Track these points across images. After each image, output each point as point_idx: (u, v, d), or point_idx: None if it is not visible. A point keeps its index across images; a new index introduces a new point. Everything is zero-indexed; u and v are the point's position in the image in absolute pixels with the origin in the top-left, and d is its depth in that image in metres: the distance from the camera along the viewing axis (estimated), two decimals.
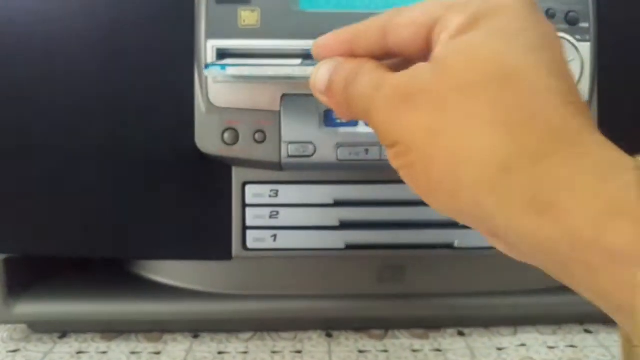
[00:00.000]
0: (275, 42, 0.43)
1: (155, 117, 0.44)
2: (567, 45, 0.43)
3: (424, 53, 0.27)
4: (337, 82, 0.29)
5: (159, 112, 0.44)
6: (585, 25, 0.44)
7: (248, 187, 0.45)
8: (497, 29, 0.24)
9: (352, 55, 0.29)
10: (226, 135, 0.43)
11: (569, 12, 0.44)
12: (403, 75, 0.26)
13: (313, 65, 0.32)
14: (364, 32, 0.29)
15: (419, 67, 0.26)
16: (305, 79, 0.32)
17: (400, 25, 0.27)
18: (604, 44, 0.45)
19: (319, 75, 0.30)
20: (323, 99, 0.30)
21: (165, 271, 0.51)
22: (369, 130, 0.42)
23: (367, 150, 0.43)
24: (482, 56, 0.24)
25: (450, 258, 0.47)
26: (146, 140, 0.44)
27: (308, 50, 0.43)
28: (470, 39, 0.24)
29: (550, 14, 0.44)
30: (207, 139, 0.43)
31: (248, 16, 0.42)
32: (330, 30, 0.42)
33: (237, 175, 0.45)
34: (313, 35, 0.42)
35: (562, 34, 0.44)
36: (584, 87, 0.44)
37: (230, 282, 0.49)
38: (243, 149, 0.43)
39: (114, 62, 0.44)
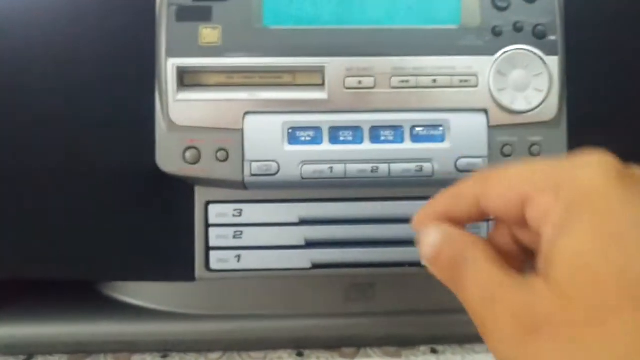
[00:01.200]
0: (237, 59, 0.44)
1: (116, 137, 0.45)
2: (535, 60, 0.45)
3: (521, 220, 0.27)
4: (443, 260, 0.29)
5: (119, 132, 0.45)
6: (552, 38, 0.45)
7: (211, 207, 0.46)
8: (604, 230, 0.24)
9: (451, 219, 0.30)
10: (188, 154, 0.44)
11: (537, 25, 0.45)
12: (519, 295, 0.25)
13: None
14: (459, 203, 0.30)
15: (536, 290, 0.25)
16: None
17: (491, 198, 0.28)
18: (572, 57, 0.46)
19: (427, 242, 0.30)
20: (429, 267, 0.30)
21: (133, 291, 0.53)
22: (333, 147, 0.43)
23: (331, 168, 0.44)
24: (603, 274, 0.23)
25: (422, 275, 0.48)
26: (106, 160, 0.45)
27: (271, 67, 0.44)
28: (581, 247, 0.24)
29: (517, 28, 0.45)
30: (168, 158, 0.44)
31: (209, 34, 0.44)
32: (293, 47, 0.44)
33: (200, 194, 0.46)
34: (276, 53, 0.44)
35: (529, 48, 0.45)
36: (553, 101, 0.45)
37: (197, 302, 0.50)
38: (205, 168, 0.44)
39: (73, 78, 0.45)
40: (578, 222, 0.24)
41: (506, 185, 0.28)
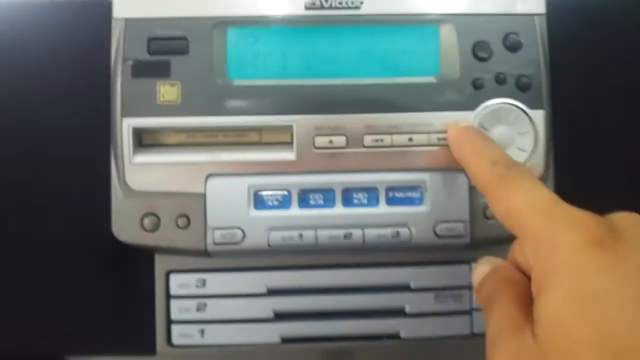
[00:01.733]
0: (198, 119, 0.42)
1: (69, 203, 0.43)
2: (519, 115, 0.42)
3: None
4: (483, 294, 0.34)
5: (73, 198, 0.43)
6: (537, 91, 0.43)
7: (172, 277, 0.44)
8: (580, 292, 0.26)
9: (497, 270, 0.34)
10: (146, 221, 0.42)
11: (520, 76, 0.43)
12: (514, 342, 0.28)
13: None
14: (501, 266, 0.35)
15: (526, 340, 0.28)
16: None
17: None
18: (559, 109, 0.44)
19: (475, 274, 0.36)
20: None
21: None
22: (302, 212, 0.41)
23: (301, 235, 0.42)
24: (584, 340, 0.25)
25: (398, 346, 0.45)
26: (60, 228, 0.43)
27: (235, 127, 0.42)
28: (557, 308, 0.26)
29: (499, 80, 0.43)
30: (125, 225, 0.42)
31: (168, 91, 0.41)
32: (259, 104, 0.42)
33: (161, 263, 0.44)
34: (241, 110, 0.42)
35: (512, 102, 0.42)
36: (538, 159, 0.43)
37: None
38: (165, 236, 0.42)
39: (23, 143, 0.43)
40: (553, 283, 0.26)
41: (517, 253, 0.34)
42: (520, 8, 0.44)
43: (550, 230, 0.28)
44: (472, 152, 0.38)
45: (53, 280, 0.43)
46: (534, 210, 0.30)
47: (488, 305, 0.32)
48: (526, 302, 0.29)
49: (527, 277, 0.32)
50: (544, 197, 0.31)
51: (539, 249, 0.28)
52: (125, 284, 0.44)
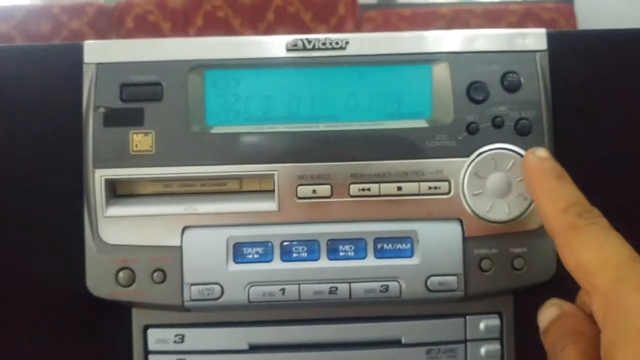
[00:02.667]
0: (174, 169, 0.40)
1: (42, 258, 0.42)
2: (519, 162, 0.41)
3: None
4: (548, 339, 0.34)
5: (46, 252, 0.42)
6: (538, 134, 0.41)
7: (150, 332, 0.43)
8: None
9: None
10: (121, 275, 0.41)
11: (520, 119, 0.41)
12: None
13: None
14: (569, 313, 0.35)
15: None
16: None
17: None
18: (561, 156, 0.41)
19: (542, 316, 0.36)
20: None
21: None
22: (285, 265, 0.40)
23: (283, 290, 0.41)
24: None
25: None
26: (32, 284, 0.42)
27: (213, 176, 0.40)
28: None
29: (496, 124, 0.41)
30: (99, 280, 0.42)
31: (141, 140, 0.40)
32: (238, 152, 0.41)
33: (138, 317, 0.43)
34: (219, 159, 0.41)
35: (511, 147, 0.41)
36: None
37: None
38: (140, 291, 0.41)
39: None
40: (624, 355, 0.27)
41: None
42: (520, 44, 0.42)
43: (621, 293, 0.28)
44: (544, 192, 0.35)
45: (25, 338, 0.43)
46: (604, 268, 0.30)
47: (553, 353, 0.33)
48: (592, 357, 0.30)
49: (596, 326, 0.31)
50: (617, 252, 0.30)
51: (608, 311, 0.28)
52: (101, 339, 0.43)
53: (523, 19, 1.73)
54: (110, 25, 1.74)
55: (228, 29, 1.68)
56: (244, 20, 1.69)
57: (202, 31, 1.68)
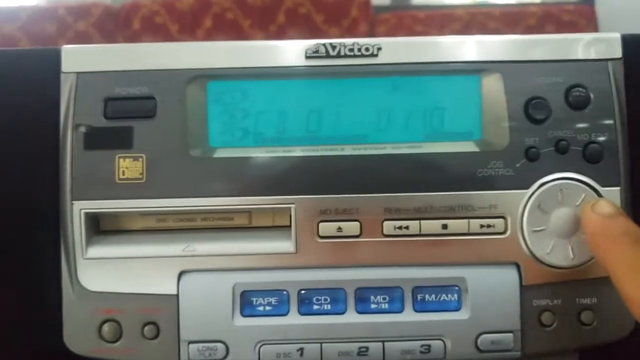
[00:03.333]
0: (169, 201, 0.33)
1: (10, 307, 0.35)
2: (589, 195, 0.33)
3: None
4: None
5: (14, 301, 0.35)
6: (612, 161, 0.33)
7: None
8: None
9: None
10: (105, 329, 0.34)
11: (589, 143, 0.34)
12: None
13: None
14: None
15: None
16: None
17: None
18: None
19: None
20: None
21: None
22: (304, 320, 0.33)
23: (301, 351, 0.33)
24: None
25: None
26: (2, 337, 0.34)
27: (216, 209, 0.33)
28: None
29: (560, 148, 0.33)
30: (79, 334, 0.35)
31: (129, 166, 0.33)
32: (247, 181, 0.33)
33: None
34: (224, 191, 0.33)
35: (578, 177, 0.33)
36: None
37: None
38: (128, 348, 0.35)
39: None
40: None
41: None
42: (588, 52, 0.34)
43: None
44: (620, 264, 0.28)
45: None
46: None
47: None
48: None
49: None
50: None
51: None
52: None
53: (542, 21, 1.64)
54: (117, 26, 1.67)
55: (237, 31, 1.61)
56: (253, 22, 1.61)
57: (211, 33, 1.60)
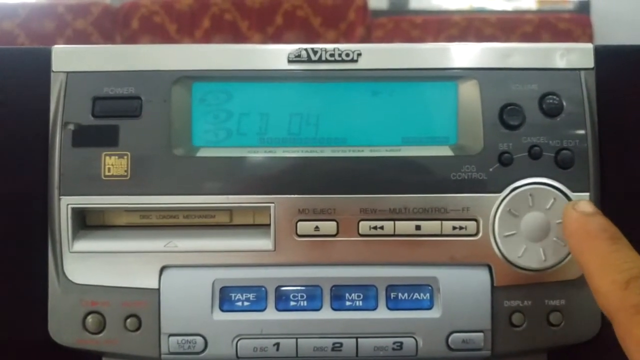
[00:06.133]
0: (152, 198, 0.34)
1: None
2: (559, 200, 0.34)
3: None
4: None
5: (2, 292, 0.36)
6: (582, 167, 0.34)
7: None
8: None
9: None
10: (89, 320, 0.35)
11: (561, 149, 0.35)
12: None
13: None
14: None
15: None
16: None
17: None
18: (609, 194, 0.35)
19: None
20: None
21: None
22: (281, 316, 0.34)
23: (277, 345, 0.34)
24: None
25: None
26: None
27: (198, 207, 0.34)
28: None
29: (534, 154, 0.34)
30: (64, 325, 0.36)
31: (115, 163, 0.34)
32: (229, 180, 0.35)
33: None
34: (206, 188, 0.34)
35: (550, 182, 0.34)
36: None
37: None
38: (111, 340, 0.35)
39: None
40: None
41: None
42: (562, 62, 0.36)
43: None
44: (594, 259, 0.29)
45: None
46: None
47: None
48: None
49: None
50: None
51: None
52: None
53: (538, 29, 1.65)
54: (116, 25, 1.68)
55: (235, 32, 1.61)
56: (251, 23, 1.62)
57: (209, 34, 1.61)
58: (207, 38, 1.60)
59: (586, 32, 1.67)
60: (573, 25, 1.68)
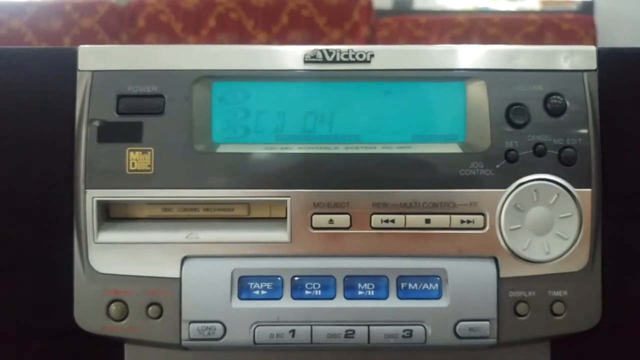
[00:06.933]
0: (174, 192, 0.36)
1: (26, 287, 0.38)
2: (563, 196, 0.35)
3: None
4: None
5: (30, 280, 0.38)
6: (584, 165, 0.36)
7: None
8: None
9: None
10: (112, 308, 0.37)
11: (564, 147, 0.36)
12: None
13: None
14: None
15: None
16: None
17: None
18: (610, 190, 0.36)
19: None
20: None
21: None
22: (296, 304, 0.36)
23: (293, 332, 0.36)
24: None
25: None
26: (16, 315, 0.38)
27: (218, 200, 0.36)
28: None
29: (538, 151, 0.36)
30: (89, 313, 0.38)
31: (138, 158, 0.36)
32: (247, 175, 0.36)
33: (131, 355, 0.39)
34: (226, 183, 0.36)
35: (554, 178, 0.36)
36: (583, 249, 0.36)
37: None
38: (134, 327, 0.37)
39: None
40: None
41: None
42: (566, 63, 0.37)
43: None
44: None
45: None
46: None
47: None
48: None
49: None
50: None
51: None
52: None
53: (541, 29, 1.67)
54: (122, 24, 1.70)
55: (241, 32, 1.63)
56: (257, 22, 1.64)
57: (215, 33, 1.63)
58: (212, 37, 1.61)
59: (589, 32, 1.68)
60: (576, 26, 1.69)
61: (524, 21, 1.70)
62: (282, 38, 1.61)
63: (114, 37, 1.70)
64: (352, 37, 1.62)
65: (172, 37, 1.63)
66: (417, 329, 0.36)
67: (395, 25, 1.68)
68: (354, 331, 0.36)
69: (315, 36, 1.60)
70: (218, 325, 0.36)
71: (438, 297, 0.37)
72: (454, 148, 0.37)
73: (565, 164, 0.37)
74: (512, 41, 1.61)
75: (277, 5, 1.64)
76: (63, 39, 1.65)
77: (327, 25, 1.63)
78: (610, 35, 1.66)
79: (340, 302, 0.37)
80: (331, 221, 0.36)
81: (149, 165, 0.36)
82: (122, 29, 1.70)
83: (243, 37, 1.61)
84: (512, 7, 1.88)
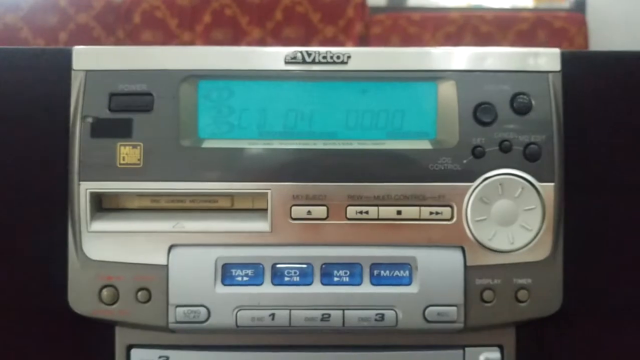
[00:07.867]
0: (162, 184, 0.38)
1: (23, 271, 0.40)
2: (527, 189, 0.38)
3: None
4: None
5: (27, 266, 0.40)
6: (548, 160, 0.38)
7: (134, 352, 0.41)
8: None
9: None
10: (104, 293, 0.39)
11: (529, 144, 0.39)
12: None
13: None
14: None
15: None
16: None
17: None
18: (572, 184, 0.39)
19: None
20: None
21: None
22: (276, 289, 0.38)
23: (273, 315, 0.38)
24: None
25: None
26: (13, 297, 0.40)
27: (203, 192, 0.38)
28: None
29: (504, 148, 0.39)
30: (82, 297, 0.40)
31: (128, 153, 0.38)
32: (230, 169, 0.39)
33: (121, 336, 0.41)
34: (211, 176, 0.38)
35: (519, 173, 0.38)
36: (546, 240, 0.39)
37: None
38: (124, 310, 0.39)
39: None
40: None
41: None
42: (532, 64, 0.40)
43: None
44: None
45: (4, 353, 0.41)
46: None
47: None
48: None
49: None
50: None
51: None
52: (82, 358, 0.41)
53: (534, 27, 1.70)
54: (118, 20, 1.72)
55: (235, 27, 1.66)
56: (251, 18, 1.67)
57: (210, 29, 1.65)
58: (207, 33, 1.64)
59: (581, 30, 1.71)
60: (568, 24, 1.72)
61: (517, 19, 1.73)
62: (277, 34, 1.63)
63: (110, 33, 1.72)
64: (346, 33, 1.64)
65: (167, 33, 1.65)
66: (389, 314, 0.39)
67: (389, 22, 1.71)
68: (329, 315, 0.39)
69: (309, 32, 1.63)
70: (203, 309, 0.39)
71: (408, 284, 0.39)
72: (424, 144, 0.40)
73: (530, 159, 0.39)
74: (504, 39, 1.64)
75: (272, 2, 1.66)
76: (59, 35, 1.67)
77: (321, 21, 1.65)
78: (602, 34, 1.69)
79: (317, 287, 0.39)
80: (309, 212, 0.39)
81: (138, 159, 0.39)
82: (117, 24, 1.72)
83: (237, 33, 1.63)
84: (506, 4, 1.91)
